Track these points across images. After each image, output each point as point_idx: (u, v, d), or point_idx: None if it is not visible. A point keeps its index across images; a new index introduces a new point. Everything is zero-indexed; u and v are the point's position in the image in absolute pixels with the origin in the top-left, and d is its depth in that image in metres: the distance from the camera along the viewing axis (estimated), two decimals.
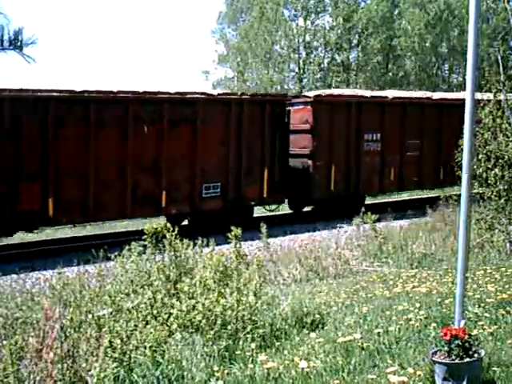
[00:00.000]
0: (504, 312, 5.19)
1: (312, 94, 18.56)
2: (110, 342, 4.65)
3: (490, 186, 10.22)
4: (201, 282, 5.82)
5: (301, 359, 4.48)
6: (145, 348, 4.75)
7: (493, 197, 10.21)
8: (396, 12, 43.18)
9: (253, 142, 15.78)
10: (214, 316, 5.31)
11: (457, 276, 4.14)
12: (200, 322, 5.27)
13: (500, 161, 10.14)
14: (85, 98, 13.19)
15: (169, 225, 6.35)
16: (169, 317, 5.38)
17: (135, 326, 5.13)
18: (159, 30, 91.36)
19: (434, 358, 3.88)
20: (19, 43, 4.30)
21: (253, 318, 5.38)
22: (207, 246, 6.92)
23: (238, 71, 43.35)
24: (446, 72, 45.41)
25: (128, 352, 4.65)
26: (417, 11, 41.39)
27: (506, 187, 10.08)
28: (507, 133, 10.29)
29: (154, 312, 5.49)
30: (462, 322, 4.05)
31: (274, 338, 5.32)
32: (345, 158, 17.53)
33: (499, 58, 10.65)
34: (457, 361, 3.78)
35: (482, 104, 10.57)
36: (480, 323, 4.91)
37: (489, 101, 10.57)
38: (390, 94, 19.77)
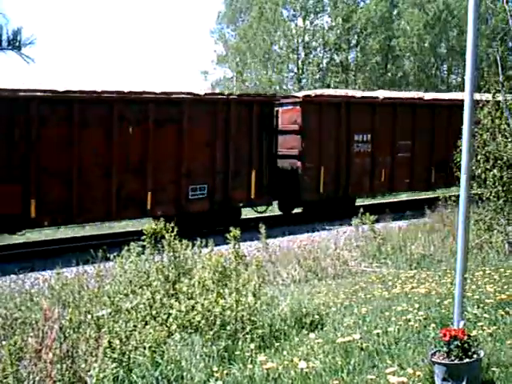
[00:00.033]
0: (503, 313, 5.19)
1: (301, 94, 18.37)
2: (109, 342, 4.65)
3: (488, 186, 10.21)
4: (200, 282, 5.81)
5: (300, 360, 4.49)
6: (144, 348, 4.75)
7: (491, 198, 10.21)
8: (395, 12, 43.23)
9: (240, 142, 15.58)
10: (213, 316, 5.31)
11: (456, 277, 4.15)
12: (199, 322, 5.27)
13: (499, 162, 10.13)
14: (68, 98, 12.99)
15: (168, 225, 6.34)
16: (168, 317, 5.38)
17: (134, 326, 5.13)
18: (158, 30, 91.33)
19: (433, 359, 3.88)
20: (18, 43, 4.29)
21: (252, 318, 5.38)
22: (206, 246, 6.92)
23: (236, 71, 43.35)
24: (445, 72, 45.46)
25: (127, 352, 4.65)
26: (416, 11, 41.43)
27: (504, 188, 10.08)
28: (506, 133, 10.29)
29: (153, 312, 5.49)
30: (461, 323, 4.05)
31: (273, 338, 5.32)
32: (334, 159, 17.33)
33: (498, 58, 10.65)
34: (456, 361, 3.78)
35: (480, 104, 10.57)
36: (479, 324, 4.92)
37: (488, 101, 10.56)
38: (381, 94, 19.56)
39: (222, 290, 5.64)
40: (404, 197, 22.15)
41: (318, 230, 15.40)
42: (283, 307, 6.00)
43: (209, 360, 4.69)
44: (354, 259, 11.48)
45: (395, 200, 21.47)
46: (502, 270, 7.55)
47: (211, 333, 5.10)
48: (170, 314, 5.39)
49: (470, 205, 4.40)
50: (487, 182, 10.19)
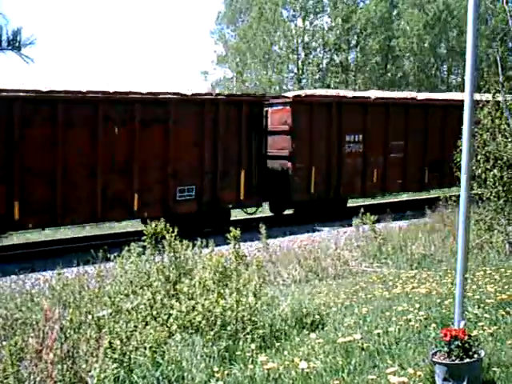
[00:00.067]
0: (504, 313, 5.19)
1: (291, 94, 18.15)
2: (110, 342, 4.65)
3: (488, 186, 10.21)
4: (200, 282, 5.82)
5: (301, 360, 4.49)
6: (145, 349, 4.75)
7: (492, 198, 10.21)
8: (395, 12, 43.25)
9: (229, 143, 15.38)
10: (213, 317, 5.31)
11: (456, 277, 4.15)
12: (200, 322, 5.27)
13: (499, 162, 10.13)
14: (52, 98, 12.82)
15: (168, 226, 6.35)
16: (168, 317, 5.38)
17: (135, 326, 5.13)
18: (158, 30, 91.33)
19: (433, 359, 3.88)
20: (17, 43, 4.29)
21: (252, 318, 5.38)
22: (207, 246, 6.92)
23: (236, 72, 43.38)
24: (445, 73, 45.47)
25: (128, 353, 4.65)
26: (415, 12, 41.45)
27: (504, 188, 10.08)
28: (506, 134, 10.29)
29: (154, 313, 5.49)
30: (462, 323, 4.06)
31: (273, 338, 5.32)
32: (325, 159, 17.15)
33: (498, 58, 10.66)
34: (457, 361, 3.78)
35: (480, 105, 10.57)
36: (480, 324, 4.92)
37: (488, 101, 10.57)
38: (373, 94, 19.36)
39: (222, 291, 5.64)
40: (404, 197, 22.14)
41: (317, 231, 15.39)
42: (284, 307, 6.00)
43: (209, 360, 4.69)
44: (355, 259, 11.49)
45: (396, 200, 21.46)
46: (503, 270, 7.55)
47: (212, 333, 5.10)
48: (170, 315, 5.39)
49: (470, 205, 4.40)
50: (487, 182, 10.19)
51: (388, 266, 10.75)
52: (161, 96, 14.29)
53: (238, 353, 4.85)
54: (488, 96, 10.72)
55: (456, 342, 3.81)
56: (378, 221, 13.57)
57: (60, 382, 4.41)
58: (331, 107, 17.11)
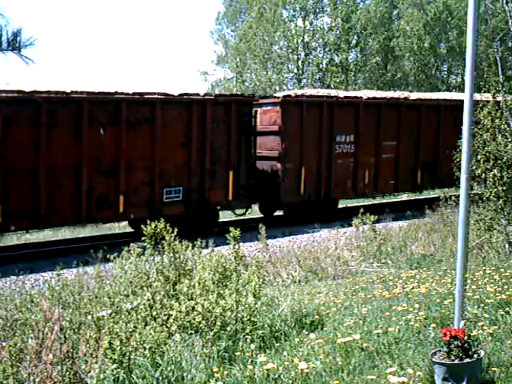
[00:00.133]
0: (503, 312, 5.19)
1: (281, 94, 17.95)
2: (110, 343, 4.65)
3: (488, 186, 10.21)
4: (200, 283, 5.82)
5: (300, 360, 4.49)
6: (144, 349, 4.75)
7: (492, 197, 10.21)
8: (395, 13, 43.27)
9: (217, 144, 15.22)
10: (213, 317, 5.31)
11: (456, 276, 4.15)
12: (199, 323, 5.27)
13: (499, 161, 10.13)
14: (35, 98, 12.64)
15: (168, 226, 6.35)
16: (168, 318, 5.38)
17: (134, 327, 5.13)
18: (158, 30, 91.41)
19: (433, 359, 3.88)
20: (18, 44, 4.29)
21: (252, 319, 5.38)
22: (206, 247, 6.92)
23: (236, 72, 43.39)
24: (445, 73, 45.48)
25: (127, 353, 4.64)
26: (415, 12, 41.47)
27: (504, 188, 10.08)
28: (506, 134, 10.29)
29: (154, 313, 5.49)
30: (462, 323, 4.06)
31: (273, 338, 5.32)
32: (316, 160, 16.96)
33: (498, 58, 10.65)
34: (456, 361, 3.78)
35: (480, 105, 10.57)
36: (479, 324, 4.91)
37: (488, 101, 10.57)
38: (365, 94, 19.16)
39: (222, 291, 5.64)
40: (404, 197, 22.15)
41: (318, 231, 15.38)
42: (283, 308, 6.00)
43: (209, 361, 4.69)
44: (355, 259, 11.49)
45: (395, 200, 21.46)
46: (503, 269, 7.55)
47: (211, 333, 5.10)
48: (170, 315, 5.39)
49: (470, 205, 4.40)
50: (487, 182, 10.19)
51: (388, 266, 10.76)
52: (147, 96, 14.10)
53: (238, 353, 4.85)
54: (488, 96, 10.72)
55: (456, 342, 3.81)
56: (377, 221, 13.59)
57: (59, 382, 4.41)
58: (322, 107, 16.94)
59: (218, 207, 15.63)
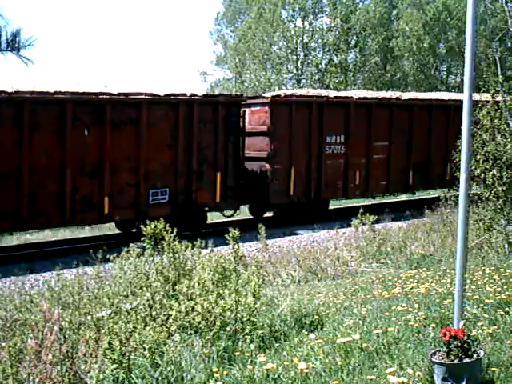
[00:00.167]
0: (503, 312, 5.19)
1: (270, 94, 17.72)
2: (109, 343, 4.65)
3: (488, 186, 10.22)
4: (199, 283, 5.82)
5: (300, 360, 4.49)
6: (144, 349, 4.75)
7: (491, 197, 10.22)
8: (394, 13, 43.30)
9: (204, 144, 15.02)
10: (212, 317, 5.31)
11: (455, 276, 4.15)
12: (199, 323, 5.27)
13: (498, 161, 10.14)
14: (17, 99, 12.44)
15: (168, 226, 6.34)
16: (168, 318, 5.38)
17: (134, 327, 5.13)
18: (157, 31, 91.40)
19: (433, 359, 3.88)
20: (17, 45, 4.28)
21: (252, 319, 5.38)
22: (206, 247, 6.92)
23: (236, 72, 43.40)
24: (444, 73, 45.51)
25: (127, 353, 4.65)
26: (415, 12, 41.50)
27: (504, 188, 10.09)
28: (505, 133, 10.30)
29: (153, 313, 5.49)
30: (461, 323, 4.06)
31: (273, 338, 5.32)
32: (305, 161, 16.79)
33: (497, 58, 10.66)
34: (456, 361, 3.78)
35: (480, 105, 10.57)
36: (479, 324, 4.91)
37: (487, 101, 10.57)
38: (356, 94, 18.97)
39: (221, 291, 5.64)
40: (404, 197, 22.15)
41: (317, 231, 15.39)
42: (283, 308, 6.00)
43: (209, 361, 4.69)
44: (354, 259, 11.50)
45: (395, 200, 21.47)
46: (502, 269, 7.55)
47: (211, 333, 5.10)
48: (169, 315, 5.39)
49: (469, 205, 4.40)
50: (487, 182, 10.20)
51: (387, 266, 10.77)
52: (132, 97, 13.90)
53: (237, 353, 4.85)
54: (487, 96, 10.73)
55: (455, 342, 3.81)
56: (377, 221, 13.60)
57: (59, 382, 4.41)
58: (311, 107, 16.76)
59: (206, 209, 15.45)
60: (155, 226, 6.29)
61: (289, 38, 40.91)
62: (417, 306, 5.80)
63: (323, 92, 18.86)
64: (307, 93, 18.11)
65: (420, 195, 21.40)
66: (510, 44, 39.66)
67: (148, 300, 5.60)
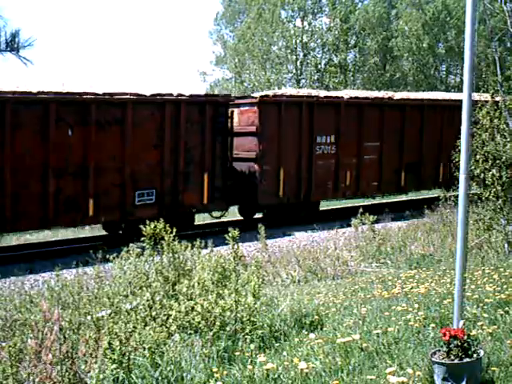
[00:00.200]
0: (503, 312, 5.19)
1: (259, 94, 17.48)
2: (109, 343, 4.65)
3: (487, 186, 10.22)
4: (199, 283, 5.82)
5: (300, 360, 4.49)
6: (144, 349, 4.75)
7: (491, 197, 10.22)
8: (393, 13, 43.31)
9: (191, 145, 14.86)
10: (212, 317, 5.32)
11: (455, 276, 4.15)
12: (199, 323, 5.27)
13: (498, 161, 10.14)
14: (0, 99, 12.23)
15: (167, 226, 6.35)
16: (167, 318, 5.38)
17: (134, 327, 5.13)
18: (157, 31, 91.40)
19: (433, 359, 3.88)
20: (16, 45, 4.28)
21: (252, 319, 5.38)
22: (205, 247, 6.92)
23: (235, 72, 43.41)
24: (444, 73, 45.53)
25: (127, 353, 4.65)
26: (414, 12, 41.51)
27: (503, 188, 10.09)
28: (505, 133, 10.30)
29: (153, 313, 5.49)
30: (461, 323, 4.06)
31: (273, 338, 5.33)
32: (295, 162, 16.61)
33: (496, 58, 10.67)
34: (456, 361, 3.78)
35: (479, 105, 10.58)
36: (479, 323, 4.92)
37: (486, 101, 10.58)
38: (347, 94, 18.72)
39: (221, 291, 5.64)
40: (403, 197, 22.15)
41: (317, 231, 15.39)
42: (283, 308, 6.00)
43: (208, 361, 4.69)
44: (354, 259, 11.50)
45: (395, 200, 21.46)
46: (502, 269, 7.55)
47: (211, 333, 5.10)
48: (169, 315, 5.39)
49: (469, 205, 4.40)
50: (486, 182, 10.20)
51: (387, 266, 10.78)
52: (117, 97, 13.72)
53: (237, 353, 4.85)
54: (487, 96, 10.73)
55: (455, 342, 3.81)
56: (376, 221, 13.60)
57: (59, 382, 4.41)
58: (301, 107, 16.56)
59: (194, 210, 15.28)
60: (155, 226, 6.28)
61: (288, 37, 40.91)
62: (417, 305, 5.81)
63: (314, 92, 18.70)
64: (297, 93, 17.93)
65: (420, 195, 21.40)
66: (509, 44, 39.70)
67: (148, 300, 5.60)
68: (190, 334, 5.21)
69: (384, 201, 20.99)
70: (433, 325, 5.01)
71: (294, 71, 41.74)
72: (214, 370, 4.48)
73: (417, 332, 4.95)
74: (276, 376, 4.29)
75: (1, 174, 12.36)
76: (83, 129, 13.26)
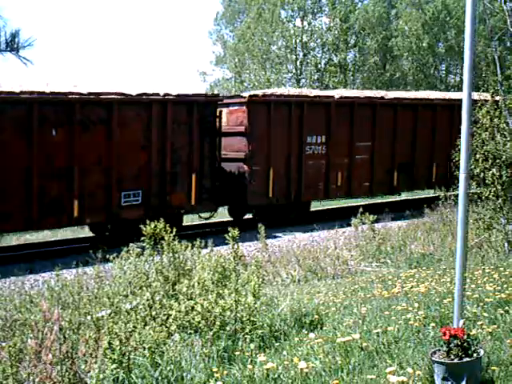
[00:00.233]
0: (503, 311, 5.19)
1: (248, 93, 17.24)
2: (109, 343, 4.65)
3: (487, 185, 10.22)
4: (199, 283, 5.82)
5: (300, 359, 4.49)
6: (144, 349, 4.75)
7: (491, 197, 10.22)
8: (393, 12, 43.32)
9: (179, 145, 14.69)
10: (212, 317, 5.31)
11: (455, 276, 4.15)
12: (199, 322, 5.27)
13: (497, 161, 10.14)
14: None
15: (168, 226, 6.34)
16: (167, 318, 5.38)
17: (134, 327, 5.13)
18: (157, 31, 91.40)
19: (433, 358, 3.88)
20: (16, 45, 4.28)
21: (252, 318, 5.38)
22: (205, 247, 6.92)
23: (235, 72, 43.42)
24: (444, 72, 45.53)
25: (127, 353, 4.65)
26: (414, 11, 41.51)
27: (503, 187, 10.09)
28: (505, 133, 10.30)
29: (153, 313, 5.49)
30: (461, 322, 4.06)
31: (273, 338, 5.32)
32: (285, 162, 16.45)
33: (496, 58, 10.66)
34: (456, 360, 3.78)
35: (479, 104, 10.58)
36: (479, 323, 4.91)
37: (486, 101, 10.58)
38: (338, 93, 18.51)
39: (221, 291, 5.64)
40: (403, 196, 22.15)
41: (317, 230, 15.38)
42: (283, 307, 6.00)
43: (208, 360, 4.69)
44: (354, 259, 11.51)
45: (394, 199, 21.46)
46: (502, 268, 7.55)
47: (211, 333, 5.10)
48: (169, 315, 5.39)
49: (469, 204, 4.40)
50: (486, 181, 10.20)
51: (387, 266, 10.78)
52: (102, 96, 13.55)
53: (237, 353, 4.85)
54: (486, 95, 10.73)
55: (455, 341, 3.81)
56: (376, 220, 13.60)
57: (59, 382, 4.41)
58: (291, 107, 16.39)
59: (182, 211, 15.11)
60: (155, 226, 6.28)
61: (288, 37, 40.92)
62: (417, 305, 5.81)
63: (304, 91, 18.54)
64: (287, 92, 17.75)
65: (419, 195, 21.40)
66: (509, 43, 39.68)
67: (148, 300, 5.60)
68: (190, 333, 5.21)
69: (384, 200, 20.99)
70: (433, 324, 5.00)
71: (294, 71, 41.75)
72: (214, 369, 4.48)
73: (417, 331, 4.95)
74: (276, 376, 4.29)
75: None
76: (68, 129, 13.09)
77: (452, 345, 3.81)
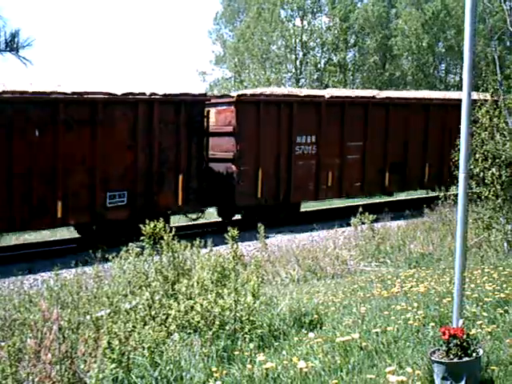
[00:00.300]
0: (502, 311, 5.19)
1: (236, 93, 16.90)
2: (109, 342, 4.64)
3: (487, 185, 10.22)
4: (199, 282, 5.82)
5: (299, 359, 4.48)
6: (143, 349, 4.75)
7: (490, 196, 10.22)
8: (393, 12, 43.35)
9: (165, 145, 14.55)
10: (212, 316, 5.31)
11: (455, 275, 4.15)
12: (198, 322, 5.27)
13: (497, 160, 10.14)
14: None
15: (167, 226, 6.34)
16: (167, 317, 5.38)
17: (133, 326, 5.13)
18: (156, 30, 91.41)
19: (432, 358, 3.88)
20: (15, 45, 4.27)
21: (251, 318, 5.37)
22: (205, 246, 6.92)
23: (235, 72, 43.43)
24: (443, 72, 45.55)
25: (126, 353, 4.64)
26: (413, 11, 41.53)
27: (503, 187, 10.10)
28: (504, 132, 10.30)
29: (152, 313, 5.49)
30: (460, 322, 4.05)
31: (272, 338, 5.32)
32: (274, 162, 16.29)
33: (496, 57, 10.66)
34: (455, 360, 3.78)
35: (478, 104, 10.57)
36: (478, 322, 4.91)
37: (486, 100, 10.58)
38: (328, 92, 18.29)
39: (220, 290, 5.64)
40: (403, 196, 22.16)
41: (316, 230, 15.38)
42: (282, 307, 6.00)
43: (208, 360, 4.69)
44: (353, 258, 11.51)
45: (394, 199, 21.45)
46: (501, 268, 7.55)
47: (210, 333, 5.10)
48: (169, 315, 5.39)
49: (468, 203, 4.40)
50: (486, 181, 10.20)
51: (386, 265, 10.78)
52: (86, 96, 13.39)
53: (237, 352, 4.84)
54: (486, 95, 10.73)
55: (454, 341, 3.81)
56: (376, 220, 13.60)
57: (58, 382, 4.41)
58: (280, 106, 16.24)
59: (169, 212, 14.88)
60: (155, 226, 6.27)
61: (287, 37, 40.93)
62: (416, 304, 5.80)
63: (295, 91, 18.38)
64: (277, 91, 17.59)
65: (420, 195, 21.40)
66: (508, 43, 39.72)
67: (147, 299, 5.60)
68: (190, 333, 5.21)
69: (383, 200, 20.99)
70: (432, 324, 5.00)
71: (294, 70, 41.77)
72: (214, 369, 4.48)
73: (416, 331, 4.95)
74: (275, 375, 4.29)
75: None
76: (51, 129, 12.93)
77: (451, 344, 3.81)
